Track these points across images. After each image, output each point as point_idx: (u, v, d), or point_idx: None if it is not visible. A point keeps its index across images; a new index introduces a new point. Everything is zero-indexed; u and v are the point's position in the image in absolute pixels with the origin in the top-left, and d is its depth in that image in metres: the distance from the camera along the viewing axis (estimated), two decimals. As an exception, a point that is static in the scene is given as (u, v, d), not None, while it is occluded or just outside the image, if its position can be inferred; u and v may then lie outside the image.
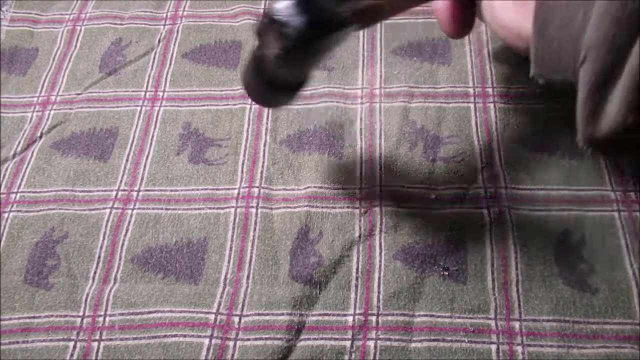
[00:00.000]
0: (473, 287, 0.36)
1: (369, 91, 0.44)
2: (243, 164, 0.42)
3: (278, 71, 0.28)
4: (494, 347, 0.34)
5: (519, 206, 0.38)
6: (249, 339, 0.35)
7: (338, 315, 0.36)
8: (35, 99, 0.46)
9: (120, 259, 0.38)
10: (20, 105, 0.46)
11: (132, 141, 0.43)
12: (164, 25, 0.49)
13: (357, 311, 0.36)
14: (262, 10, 0.49)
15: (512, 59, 0.45)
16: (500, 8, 0.29)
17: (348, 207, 0.39)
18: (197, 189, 0.41)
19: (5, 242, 0.39)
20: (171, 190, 0.41)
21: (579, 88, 0.25)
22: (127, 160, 0.42)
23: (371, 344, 0.35)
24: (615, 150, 0.26)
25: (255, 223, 0.39)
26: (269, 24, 0.28)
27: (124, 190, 0.41)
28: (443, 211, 0.39)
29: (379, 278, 0.37)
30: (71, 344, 0.35)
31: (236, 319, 0.36)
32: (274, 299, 0.36)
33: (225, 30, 0.48)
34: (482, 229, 0.38)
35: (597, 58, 0.24)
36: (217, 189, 0.41)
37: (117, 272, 0.38)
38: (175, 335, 0.35)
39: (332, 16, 0.27)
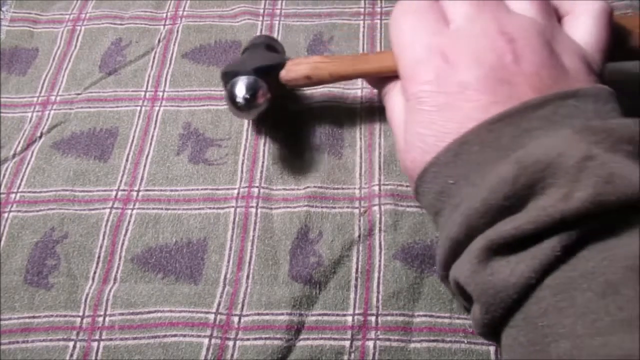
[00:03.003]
0: (472, 287, 0.36)
1: (369, 91, 0.44)
2: (243, 164, 0.42)
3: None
4: (492, 348, 0.34)
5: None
6: (248, 339, 0.35)
7: (337, 315, 0.36)
8: (35, 99, 0.46)
9: (120, 259, 0.38)
10: (20, 105, 0.46)
11: (132, 141, 0.43)
12: (164, 25, 0.49)
13: (357, 311, 0.36)
14: (262, 10, 0.49)
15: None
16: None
17: (348, 207, 0.39)
18: (197, 189, 0.41)
19: (5, 242, 0.39)
20: (171, 190, 0.41)
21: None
22: (127, 160, 0.42)
23: (370, 344, 0.35)
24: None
25: (255, 223, 0.39)
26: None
27: (124, 190, 0.41)
28: (443, 211, 0.39)
29: (379, 278, 0.37)
30: (71, 344, 0.36)
31: (236, 319, 0.36)
32: (274, 299, 0.36)
33: (226, 30, 0.48)
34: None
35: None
36: (217, 189, 0.41)
37: (117, 272, 0.38)
38: (175, 335, 0.35)
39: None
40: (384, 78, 0.35)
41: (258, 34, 0.48)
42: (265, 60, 0.38)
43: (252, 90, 0.35)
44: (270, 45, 0.42)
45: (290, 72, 0.37)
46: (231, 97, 0.35)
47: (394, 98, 0.33)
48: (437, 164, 0.27)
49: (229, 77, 0.37)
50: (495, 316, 0.24)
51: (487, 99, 0.26)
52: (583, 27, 0.29)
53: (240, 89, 0.35)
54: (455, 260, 0.25)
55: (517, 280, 0.22)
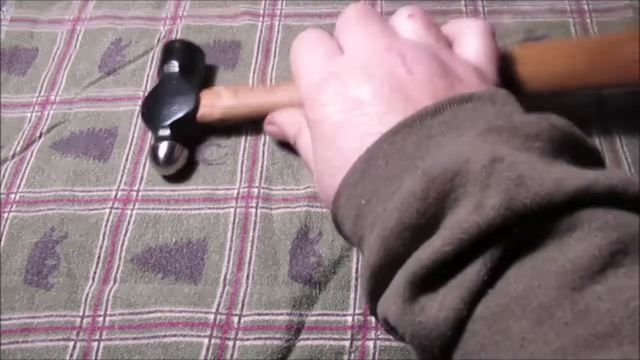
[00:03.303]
0: (472, 287, 0.36)
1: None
2: (242, 164, 0.42)
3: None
4: (493, 347, 0.34)
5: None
6: (248, 339, 0.35)
7: (337, 315, 0.36)
8: (34, 99, 0.46)
9: (120, 259, 0.38)
10: (19, 106, 0.46)
11: (132, 141, 0.43)
12: (164, 25, 0.49)
13: (357, 311, 0.36)
14: (262, 11, 0.49)
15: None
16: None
17: (347, 207, 0.39)
18: (197, 189, 0.41)
19: (5, 242, 0.39)
20: (171, 190, 0.41)
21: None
22: (126, 160, 0.42)
23: (370, 344, 0.35)
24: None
25: (255, 223, 0.39)
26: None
27: (124, 190, 0.41)
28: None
29: (379, 278, 0.37)
30: (71, 343, 0.36)
31: (236, 319, 0.36)
32: (274, 299, 0.36)
33: (225, 31, 0.48)
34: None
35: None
36: (217, 189, 0.41)
37: (116, 272, 0.38)
38: (174, 335, 0.35)
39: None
40: (290, 125, 0.36)
41: (257, 34, 0.48)
42: (178, 108, 0.41)
43: (169, 154, 0.40)
44: (184, 65, 0.43)
45: (205, 117, 0.41)
46: (154, 160, 0.40)
47: (305, 137, 0.33)
48: (346, 185, 0.26)
49: (148, 126, 0.42)
50: (433, 356, 0.22)
51: (383, 110, 0.26)
52: (470, 44, 0.31)
53: (161, 153, 0.40)
54: (381, 291, 0.24)
55: (448, 315, 0.21)
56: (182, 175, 0.41)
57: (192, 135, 0.42)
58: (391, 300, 0.22)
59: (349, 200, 0.26)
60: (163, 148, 0.40)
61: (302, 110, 0.32)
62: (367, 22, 0.31)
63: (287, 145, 0.42)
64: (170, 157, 0.40)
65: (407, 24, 0.31)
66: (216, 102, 0.41)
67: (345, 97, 0.28)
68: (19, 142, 0.43)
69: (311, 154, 0.31)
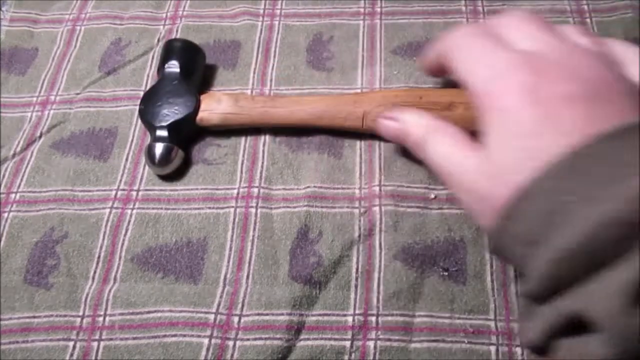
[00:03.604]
0: (473, 287, 0.36)
1: (368, 90, 0.44)
2: (242, 164, 0.42)
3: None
4: (493, 348, 0.34)
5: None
6: (248, 339, 0.35)
7: (338, 315, 0.36)
8: (34, 98, 0.46)
9: (120, 258, 0.38)
10: (19, 105, 0.46)
11: (132, 140, 0.43)
12: (164, 25, 0.49)
13: (357, 311, 0.36)
14: (262, 11, 0.49)
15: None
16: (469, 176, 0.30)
17: (348, 207, 0.39)
18: (197, 189, 0.41)
19: (5, 242, 0.39)
20: (171, 190, 0.41)
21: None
22: (126, 160, 0.42)
23: (371, 344, 0.35)
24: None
25: (255, 223, 0.39)
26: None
27: (124, 189, 0.41)
28: (443, 211, 0.39)
29: (379, 278, 0.37)
30: (71, 343, 0.36)
31: (236, 319, 0.36)
32: (274, 299, 0.36)
33: (225, 30, 0.48)
34: (482, 229, 0.38)
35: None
36: (217, 189, 0.41)
37: (116, 271, 0.38)
38: (175, 335, 0.35)
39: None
40: (417, 127, 0.34)
41: (257, 34, 0.48)
42: (177, 110, 0.41)
43: (165, 155, 0.40)
44: (184, 65, 0.43)
45: (203, 120, 0.41)
46: (150, 160, 0.41)
47: (440, 140, 0.32)
48: (549, 179, 0.25)
49: (145, 126, 0.43)
50: None
51: (589, 112, 0.25)
52: (636, 72, 0.29)
53: (157, 154, 0.40)
54: (574, 279, 0.23)
55: None
56: (182, 175, 0.41)
57: (190, 137, 0.42)
58: (610, 297, 0.22)
59: (547, 195, 0.25)
60: (159, 148, 0.40)
61: (427, 114, 0.34)
62: (542, 23, 0.30)
63: (287, 145, 0.42)
64: (166, 158, 0.40)
65: (581, 38, 0.30)
66: (216, 108, 0.41)
67: (547, 91, 0.27)
68: (19, 142, 0.43)
69: (448, 156, 0.31)
